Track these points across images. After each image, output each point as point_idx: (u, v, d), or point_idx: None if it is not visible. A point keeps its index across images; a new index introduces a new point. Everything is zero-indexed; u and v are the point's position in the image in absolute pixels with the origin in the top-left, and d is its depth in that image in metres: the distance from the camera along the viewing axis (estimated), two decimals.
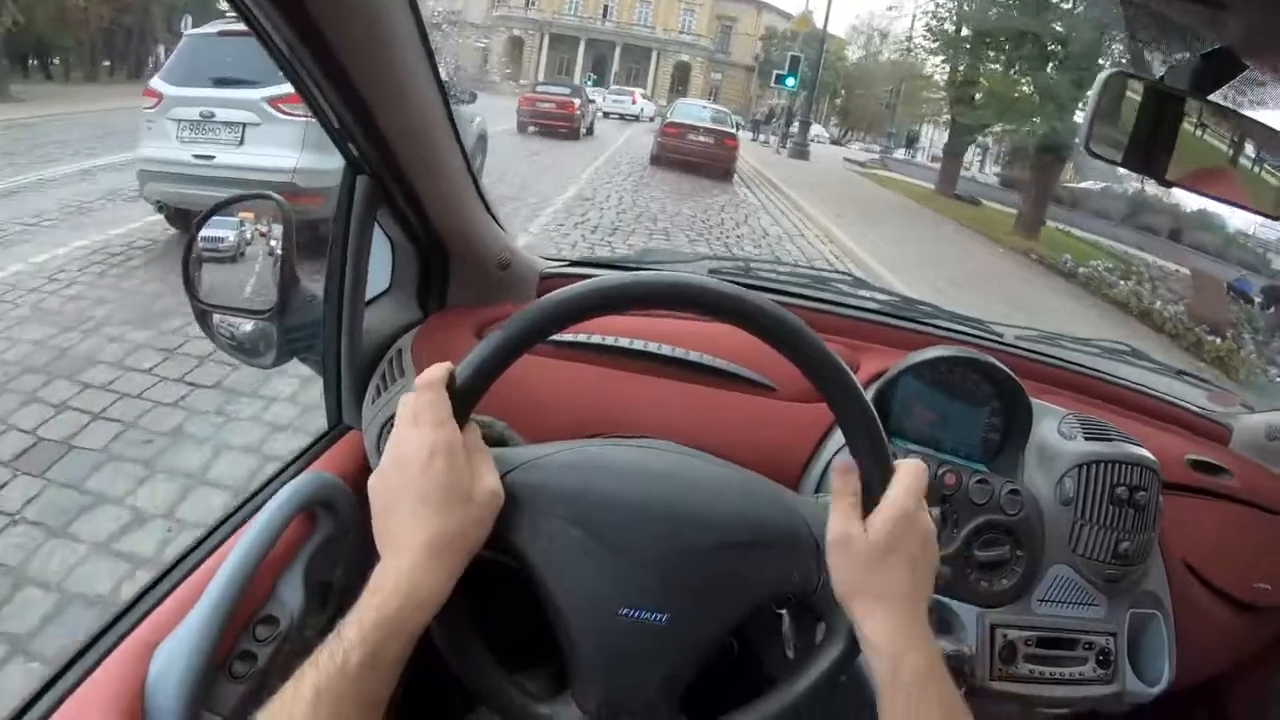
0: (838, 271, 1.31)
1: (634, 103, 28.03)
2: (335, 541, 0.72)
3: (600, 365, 0.87)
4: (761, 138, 25.51)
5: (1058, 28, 12.27)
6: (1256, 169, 0.71)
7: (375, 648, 0.43)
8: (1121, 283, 8.74)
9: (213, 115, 4.30)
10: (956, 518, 0.83)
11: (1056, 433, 0.89)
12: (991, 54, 13.57)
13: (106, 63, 17.22)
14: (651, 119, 25.38)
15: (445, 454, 0.48)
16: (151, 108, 4.39)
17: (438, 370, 0.50)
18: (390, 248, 0.87)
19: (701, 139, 12.20)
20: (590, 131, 16.66)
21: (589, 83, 30.73)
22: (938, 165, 18.26)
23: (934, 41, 15.28)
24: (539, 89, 16.20)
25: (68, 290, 3.90)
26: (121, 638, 0.58)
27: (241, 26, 0.58)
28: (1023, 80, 12.74)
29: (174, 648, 0.56)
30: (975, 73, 13.71)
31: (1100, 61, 10.77)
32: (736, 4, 43.19)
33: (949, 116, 15.42)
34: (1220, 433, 1.14)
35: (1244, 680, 1.06)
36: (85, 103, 11.01)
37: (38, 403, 2.80)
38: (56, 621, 1.83)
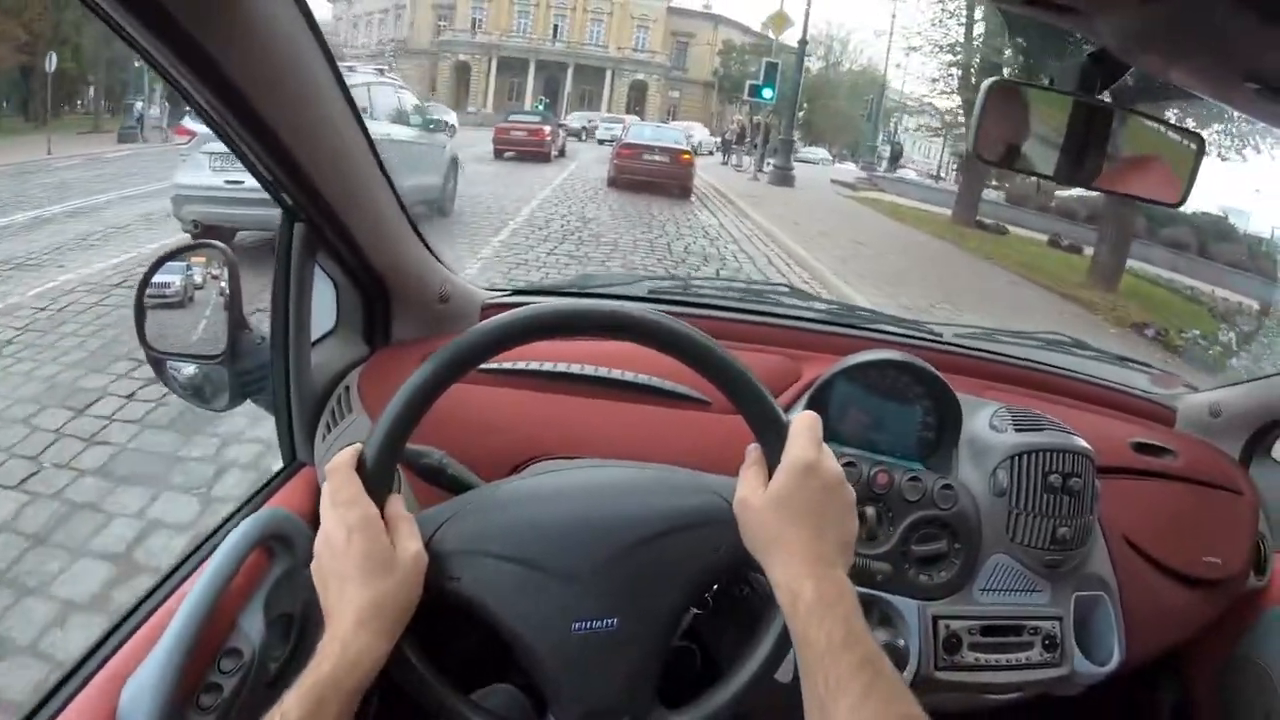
0: (775, 284, 1.34)
1: (626, 127, 28.35)
2: (293, 575, 0.73)
3: (539, 391, 0.90)
4: (734, 160, 20.17)
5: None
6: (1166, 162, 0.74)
7: (312, 707, 0.47)
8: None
9: None
10: (891, 515, 0.85)
11: (989, 427, 0.91)
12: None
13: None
14: None
15: (361, 530, 0.52)
16: (186, 143, 5.40)
17: (346, 454, 0.55)
18: (334, 288, 0.90)
19: (657, 158, 12.13)
20: (562, 153, 17.20)
21: (540, 106, 30.47)
22: (932, 182, 17.02)
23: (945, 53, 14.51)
24: (511, 118, 17.22)
25: None
26: (92, 674, 0.59)
27: None
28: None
29: (142, 681, 0.58)
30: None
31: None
32: (692, 19, 41.75)
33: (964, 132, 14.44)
34: (1165, 414, 1.16)
35: (1205, 650, 1.08)
36: None
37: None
38: None
